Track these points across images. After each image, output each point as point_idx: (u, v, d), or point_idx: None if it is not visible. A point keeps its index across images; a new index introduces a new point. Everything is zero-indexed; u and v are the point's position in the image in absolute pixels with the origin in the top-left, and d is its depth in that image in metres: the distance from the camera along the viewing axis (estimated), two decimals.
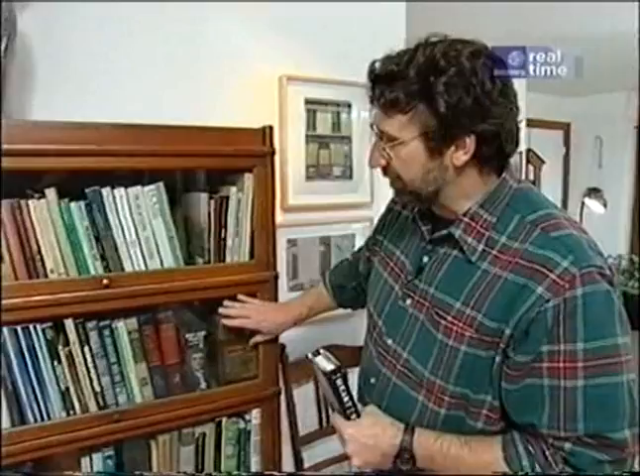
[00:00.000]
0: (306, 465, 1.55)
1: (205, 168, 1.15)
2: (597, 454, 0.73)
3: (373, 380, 0.96)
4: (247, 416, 1.25)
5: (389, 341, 0.92)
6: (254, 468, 1.27)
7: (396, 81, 0.77)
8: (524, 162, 4.07)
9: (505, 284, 0.77)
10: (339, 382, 0.86)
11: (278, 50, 1.51)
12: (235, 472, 1.25)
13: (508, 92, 0.79)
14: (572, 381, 0.72)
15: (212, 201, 1.15)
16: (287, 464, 1.50)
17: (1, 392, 0.99)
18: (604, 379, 0.72)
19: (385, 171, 0.86)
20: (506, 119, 0.78)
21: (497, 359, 0.78)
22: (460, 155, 0.79)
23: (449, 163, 0.80)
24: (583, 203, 4.17)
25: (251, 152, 1.15)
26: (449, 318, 0.82)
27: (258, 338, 1.20)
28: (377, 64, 0.81)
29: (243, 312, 1.17)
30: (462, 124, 0.76)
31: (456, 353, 0.81)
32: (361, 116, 1.62)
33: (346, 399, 0.87)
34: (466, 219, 0.83)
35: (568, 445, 0.74)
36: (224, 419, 1.22)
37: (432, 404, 0.85)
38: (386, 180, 0.89)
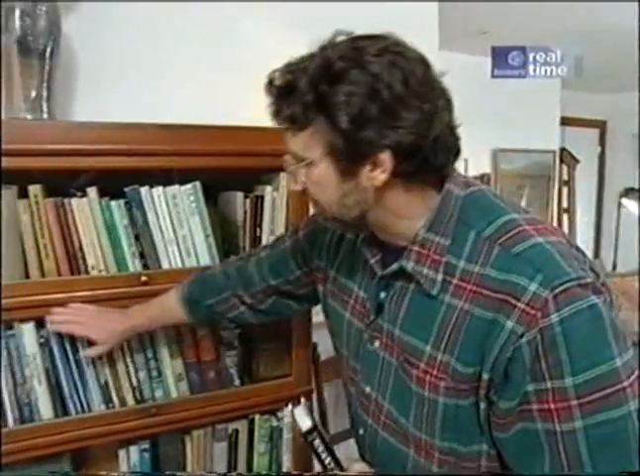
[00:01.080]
0: None
1: (242, 167, 1.16)
2: None
3: (361, 431, 0.85)
4: (279, 414, 1.26)
5: (367, 389, 0.81)
6: (285, 466, 1.28)
7: (291, 94, 0.65)
8: (557, 161, 3.99)
9: (473, 320, 0.66)
10: (317, 442, 0.79)
11: (311, 49, 1.51)
12: (264, 472, 1.26)
13: (428, 94, 0.64)
14: (568, 424, 0.61)
15: (247, 200, 1.16)
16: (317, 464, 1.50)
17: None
18: (605, 414, 0.60)
19: (308, 195, 0.75)
20: (428, 126, 0.64)
21: (482, 406, 0.68)
22: (377, 174, 0.66)
23: (367, 183, 0.67)
24: (619, 204, 4.06)
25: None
26: (422, 366, 0.71)
27: (91, 351, 1.04)
28: (275, 74, 0.69)
29: (74, 318, 1.03)
30: (370, 139, 0.63)
31: (434, 405, 0.71)
32: None
33: (327, 459, 0.78)
34: (415, 248, 0.71)
35: None
36: (257, 417, 1.23)
37: (423, 459, 0.75)
38: None
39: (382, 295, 0.77)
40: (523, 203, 3.84)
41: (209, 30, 1.37)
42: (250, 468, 1.25)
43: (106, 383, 1.08)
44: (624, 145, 4.50)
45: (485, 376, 0.65)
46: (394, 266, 0.73)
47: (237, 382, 1.21)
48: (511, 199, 0.75)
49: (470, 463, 0.72)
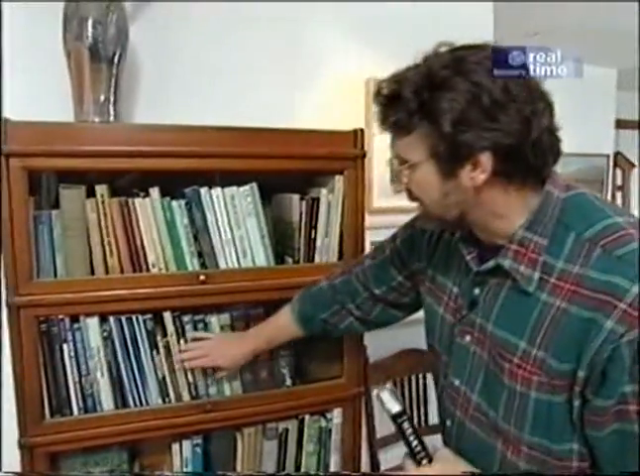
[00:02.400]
0: (382, 468, 1.54)
1: (299, 169, 1.17)
2: None
3: (448, 422, 0.88)
4: (328, 415, 1.26)
5: (457, 382, 0.85)
6: (333, 467, 1.28)
7: (397, 102, 0.70)
8: (611, 165, 3.84)
9: (570, 318, 0.67)
10: (406, 425, 0.81)
11: (364, 52, 1.51)
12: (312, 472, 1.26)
13: (526, 98, 0.68)
14: None
15: (303, 202, 1.18)
16: (364, 466, 1.50)
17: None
18: None
19: (410, 194, 0.79)
20: (527, 129, 0.67)
21: (576, 403, 0.69)
22: (477, 174, 0.69)
23: (467, 183, 0.71)
24: None
25: (343, 154, 1.16)
26: (515, 360, 0.73)
27: (219, 374, 1.15)
28: (383, 84, 0.73)
29: (200, 352, 1.12)
30: (470, 141, 0.67)
31: (526, 400, 0.72)
32: None
33: (415, 442, 0.81)
34: (513, 246, 0.73)
35: None
36: (307, 417, 1.24)
37: (510, 453, 0.77)
38: None
39: (477, 291, 0.80)
40: None
41: (272, 35, 1.39)
42: (298, 467, 1.26)
43: (164, 378, 1.12)
44: None
45: (581, 374, 0.66)
46: (491, 263, 0.76)
47: (289, 382, 1.22)
48: (616, 204, 0.76)
49: (559, 462, 0.73)
